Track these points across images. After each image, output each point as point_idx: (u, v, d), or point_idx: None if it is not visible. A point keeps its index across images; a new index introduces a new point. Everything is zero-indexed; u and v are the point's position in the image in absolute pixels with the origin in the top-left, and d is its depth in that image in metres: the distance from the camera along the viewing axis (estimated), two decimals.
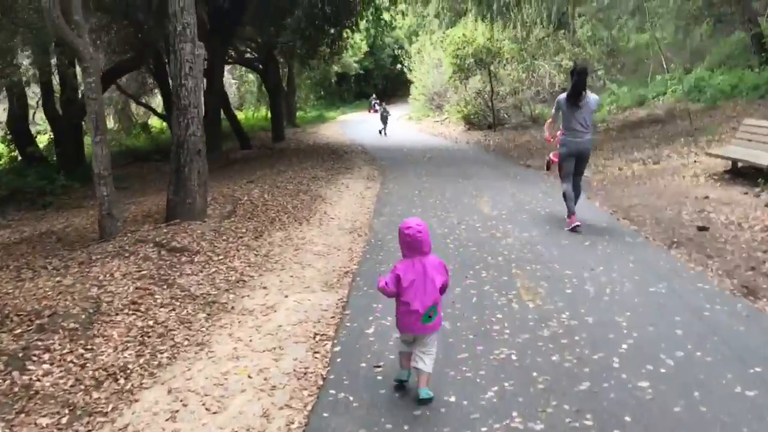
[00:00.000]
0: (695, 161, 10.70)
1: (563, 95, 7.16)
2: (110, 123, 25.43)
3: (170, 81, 7.51)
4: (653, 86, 21.81)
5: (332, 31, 19.31)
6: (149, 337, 4.39)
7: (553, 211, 8.02)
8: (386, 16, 19.90)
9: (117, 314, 4.72)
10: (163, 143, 17.56)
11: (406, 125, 30.11)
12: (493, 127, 21.62)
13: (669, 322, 4.27)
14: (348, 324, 4.53)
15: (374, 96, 42.35)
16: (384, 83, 53.75)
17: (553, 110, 7.42)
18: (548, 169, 8.41)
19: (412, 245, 3.41)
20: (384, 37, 46.22)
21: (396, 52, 43.41)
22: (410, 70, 33.75)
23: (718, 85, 17.24)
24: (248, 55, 23.93)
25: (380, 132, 24.06)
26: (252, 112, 32.52)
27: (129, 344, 4.25)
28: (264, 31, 19.24)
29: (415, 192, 10.10)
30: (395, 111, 32.24)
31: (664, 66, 22.38)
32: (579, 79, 6.91)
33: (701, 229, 6.77)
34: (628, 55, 25.06)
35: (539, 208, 8.31)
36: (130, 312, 4.77)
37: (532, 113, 21.44)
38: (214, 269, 5.91)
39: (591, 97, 7.04)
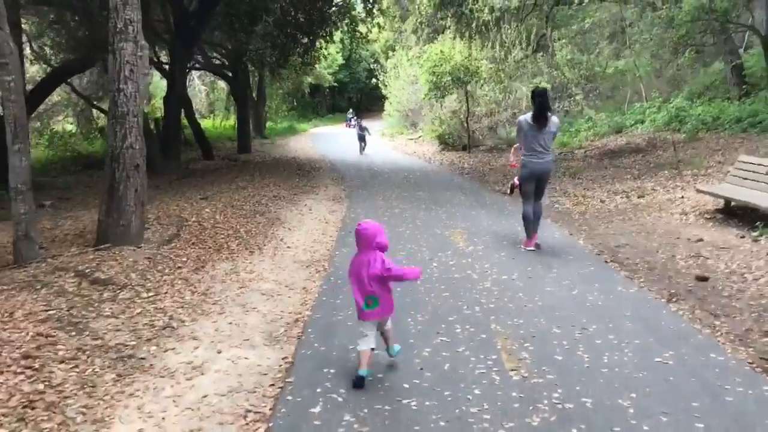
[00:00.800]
0: (682, 197, 10.07)
1: (524, 117, 7.14)
2: (69, 126, 24.17)
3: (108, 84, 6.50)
4: (631, 114, 21.40)
5: (305, 40, 18.47)
6: (34, 408, 3.43)
7: (536, 249, 7.23)
8: (362, 28, 19.11)
9: (1, 373, 3.75)
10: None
11: (379, 142, 29.29)
12: (468, 149, 20.95)
13: (685, 410, 3.47)
14: (289, 397, 3.62)
15: (351, 110, 41.33)
16: (359, 97, 53.19)
17: (518, 133, 7.35)
18: (511, 192, 8.26)
19: (366, 240, 3.88)
20: (360, 50, 45.70)
21: (372, 66, 42.86)
22: (385, 86, 33.07)
23: (699, 115, 16.80)
24: (217, 61, 22.94)
25: (361, 152, 22.52)
26: (220, 121, 31.41)
27: (2, 421, 3.29)
28: (234, 36, 18.30)
29: (384, 218, 9.25)
30: (369, 126, 31.38)
31: (643, 94, 22.06)
32: (543, 101, 6.99)
33: (700, 279, 6.05)
34: (604, 81, 24.73)
35: (519, 243, 7.52)
36: (19, 370, 3.81)
37: (508, 136, 20.83)
38: (139, 310, 4.96)
39: (552, 119, 7.07)
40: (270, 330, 4.71)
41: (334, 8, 18.01)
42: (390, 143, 28.55)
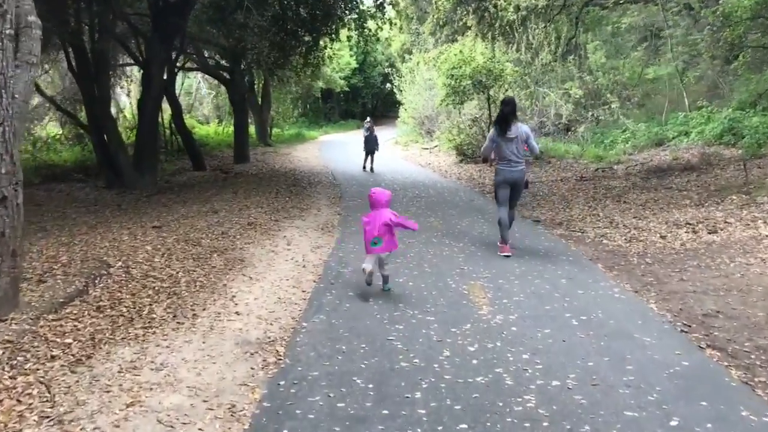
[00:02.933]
0: None
1: (494, 132, 7.37)
2: (55, 130, 22.23)
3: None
4: (672, 124, 19.03)
5: (307, 38, 16.38)
6: None
7: (594, 322, 5.01)
8: (371, 24, 16.97)
9: None
10: (90, 158, 14.42)
11: (392, 150, 27.11)
12: (489, 161, 18.67)
13: None
14: None
15: (369, 119, 35.79)
16: (374, 103, 51.09)
17: (488, 142, 7.57)
18: (484, 161, 8.77)
19: (378, 202, 5.72)
20: (375, 54, 43.61)
21: (387, 70, 40.74)
22: (400, 91, 30.95)
23: (758, 128, 14.45)
24: (214, 62, 20.95)
25: (364, 167, 18.19)
26: (222, 127, 29.46)
27: None
28: (229, 33, 16.23)
29: None
30: (383, 133, 29.06)
31: (686, 102, 19.68)
32: (506, 109, 7.29)
33: None
34: (636, 89, 22.41)
35: (569, 311, 5.29)
36: None
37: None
38: None
39: (521, 127, 7.27)
40: None
41: (340, 2, 15.87)
42: (403, 152, 26.38)
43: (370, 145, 18.19)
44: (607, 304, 5.52)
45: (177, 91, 26.34)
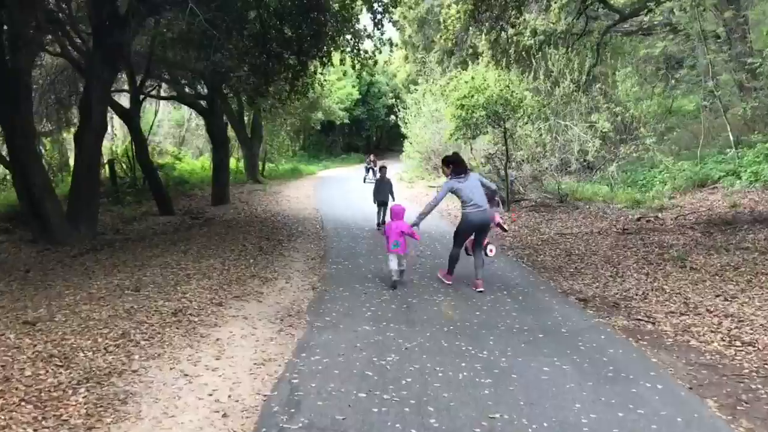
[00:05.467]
0: None
1: (450, 181, 7.64)
2: None
3: None
4: (714, 162, 16.45)
5: (293, 61, 13.95)
6: None
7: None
8: (369, 46, 14.57)
9: None
10: (15, 202, 11.76)
11: (396, 188, 24.46)
12: (506, 204, 16.06)
13: None
14: None
15: (372, 156, 27.73)
16: (378, 136, 48.91)
17: (441, 193, 7.63)
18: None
19: (397, 215, 7.62)
20: (379, 84, 41.46)
21: (391, 101, 38.58)
22: (405, 123, 28.60)
23: None
24: (189, 90, 18.58)
25: (378, 225, 13.17)
26: (210, 163, 27.09)
27: None
28: (202, 55, 13.80)
29: (360, 395, 4.38)
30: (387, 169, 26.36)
31: (730, 137, 17.08)
32: (456, 158, 7.83)
33: None
34: (667, 121, 19.88)
35: None
36: None
37: (559, 188, 15.93)
38: None
39: (471, 174, 7.66)
40: None
41: (331, 20, 13.45)
42: (408, 191, 23.74)
43: (382, 195, 12.99)
44: None
45: (156, 122, 23.99)
